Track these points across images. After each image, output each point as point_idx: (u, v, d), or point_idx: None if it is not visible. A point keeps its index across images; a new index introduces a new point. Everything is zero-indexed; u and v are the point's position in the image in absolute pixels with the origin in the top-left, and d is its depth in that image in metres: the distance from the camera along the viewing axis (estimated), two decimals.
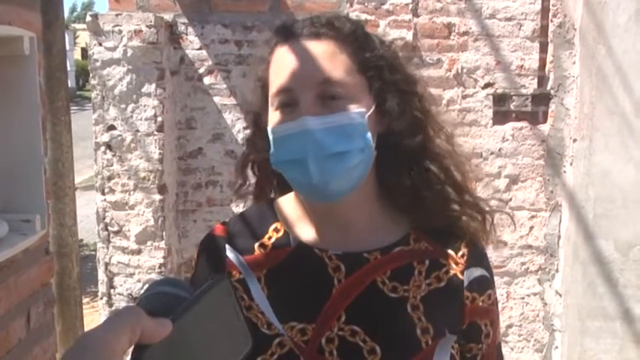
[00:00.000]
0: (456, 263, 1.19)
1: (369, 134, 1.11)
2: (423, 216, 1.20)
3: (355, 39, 1.15)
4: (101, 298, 4.10)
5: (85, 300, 5.54)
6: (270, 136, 1.13)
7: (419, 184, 1.18)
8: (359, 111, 1.10)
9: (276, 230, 1.21)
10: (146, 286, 0.82)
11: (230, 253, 1.20)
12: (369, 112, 1.12)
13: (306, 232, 1.20)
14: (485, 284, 1.21)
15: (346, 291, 1.14)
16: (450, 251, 1.19)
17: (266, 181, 1.30)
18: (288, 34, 1.16)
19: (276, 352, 1.11)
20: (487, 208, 1.23)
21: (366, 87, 1.14)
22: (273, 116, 1.13)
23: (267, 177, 1.28)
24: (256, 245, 1.20)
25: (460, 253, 1.19)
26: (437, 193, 1.19)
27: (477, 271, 1.20)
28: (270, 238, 1.21)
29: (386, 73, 1.15)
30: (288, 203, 1.25)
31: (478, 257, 1.22)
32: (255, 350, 1.11)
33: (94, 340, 0.66)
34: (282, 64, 1.13)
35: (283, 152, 1.11)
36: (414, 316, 1.13)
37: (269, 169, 1.21)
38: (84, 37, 42.73)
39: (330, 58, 1.11)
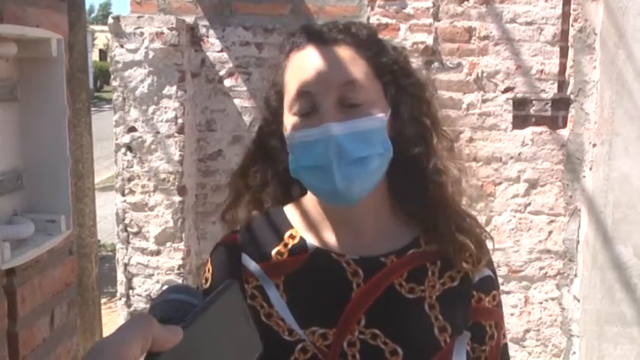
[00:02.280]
0: (466, 262, 1.20)
1: (388, 139, 1.13)
2: (428, 220, 1.21)
3: (372, 44, 1.16)
4: (120, 299, 4.13)
5: (102, 300, 5.57)
6: (290, 142, 1.14)
7: (421, 191, 1.19)
8: (379, 116, 1.11)
9: (292, 237, 1.22)
10: (163, 288, 0.83)
11: (246, 262, 1.21)
12: (387, 116, 1.13)
13: (322, 237, 1.21)
14: (490, 284, 1.23)
15: (365, 295, 1.15)
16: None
17: (268, 187, 1.29)
18: (305, 39, 1.16)
19: (300, 357, 1.12)
20: (470, 227, 1.23)
21: (382, 92, 1.15)
22: (292, 121, 1.13)
23: (268, 183, 1.28)
24: (273, 252, 1.20)
25: (468, 253, 1.20)
26: (437, 200, 1.20)
27: (485, 271, 1.22)
28: (286, 244, 1.21)
29: (399, 78, 1.17)
30: (300, 209, 1.25)
31: (486, 258, 1.24)
32: (278, 357, 1.13)
33: (107, 348, 0.67)
34: (302, 69, 1.14)
35: (305, 158, 1.12)
36: (431, 315, 1.15)
37: (276, 176, 1.24)
38: (102, 39, 43.01)
39: (349, 62, 1.12)
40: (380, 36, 1.22)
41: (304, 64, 1.14)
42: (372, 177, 1.12)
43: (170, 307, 0.76)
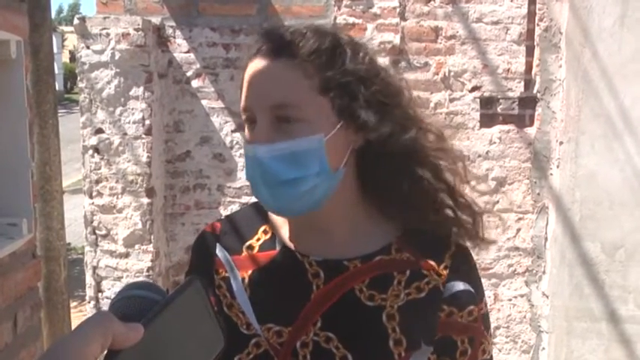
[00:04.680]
0: (439, 275, 1.16)
1: (325, 158, 1.09)
2: (413, 221, 1.19)
3: (318, 57, 1.11)
4: (89, 302, 4.09)
5: (72, 304, 5.52)
6: None
7: (410, 191, 1.17)
8: (315, 136, 1.09)
9: (265, 232, 1.23)
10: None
11: (219, 252, 1.22)
12: (332, 133, 1.10)
13: (292, 236, 1.21)
14: (466, 299, 1.17)
15: (324, 297, 1.14)
16: (433, 263, 1.17)
17: None
18: (256, 49, 1.14)
19: (253, 352, 1.13)
20: (478, 209, 1.22)
21: (327, 107, 1.11)
22: (246, 129, 1.15)
23: None
24: (244, 246, 1.21)
25: (443, 265, 1.17)
26: (429, 198, 1.19)
27: (460, 286, 1.17)
28: (258, 239, 1.22)
29: (356, 88, 1.12)
30: None
31: (463, 271, 1.19)
32: (233, 349, 1.14)
33: (65, 347, 0.66)
34: (247, 82, 1.13)
35: (246, 172, 1.14)
36: (388, 327, 1.13)
37: None
38: (72, 40, 42.51)
39: (287, 79, 1.09)
40: (341, 41, 1.16)
41: (248, 77, 1.13)
42: (309, 196, 1.10)
43: (131, 303, 0.76)
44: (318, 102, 1.10)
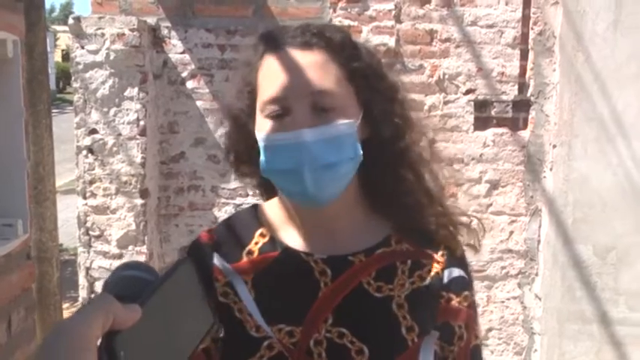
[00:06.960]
0: (437, 262, 1.21)
1: (357, 143, 1.13)
2: (401, 220, 1.22)
3: (344, 48, 1.16)
4: (81, 304, 4.07)
5: (64, 305, 5.49)
6: (262, 144, 1.14)
7: (396, 191, 1.20)
8: (349, 121, 1.12)
9: (262, 235, 1.22)
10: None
11: (217, 261, 1.21)
12: (358, 121, 1.14)
13: (292, 236, 1.21)
14: (461, 285, 1.22)
15: (333, 294, 1.15)
16: (430, 251, 1.22)
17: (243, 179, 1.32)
18: (278, 42, 1.16)
19: (265, 354, 1.12)
20: (459, 218, 1.26)
21: (353, 96, 1.15)
22: (264, 123, 1.14)
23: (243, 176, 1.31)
24: (244, 252, 1.21)
25: (440, 253, 1.22)
26: (413, 200, 1.22)
27: (456, 272, 1.22)
28: (256, 243, 1.22)
29: (372, 82, 1.17)
30: (272, 208, 1.26)
31: (457, 257, 1.24)
32: (244, 353, 1.13)
33: (68, 329, 0.67)
34: (275, 73, 1.14)
35: (276, 162, 1.12)
36: (399, 315, 1.15)
37: (249, 171, 1.25)
38: (64, 39, 42.40)
39: (322, 68, 1.13)
40: (354, 38, 1.22)
41: (277, 69, 1.14)
42: (342, 181, 1.13)
43: (125, 283, 0.78)
44: (348, 90, 1.15)
